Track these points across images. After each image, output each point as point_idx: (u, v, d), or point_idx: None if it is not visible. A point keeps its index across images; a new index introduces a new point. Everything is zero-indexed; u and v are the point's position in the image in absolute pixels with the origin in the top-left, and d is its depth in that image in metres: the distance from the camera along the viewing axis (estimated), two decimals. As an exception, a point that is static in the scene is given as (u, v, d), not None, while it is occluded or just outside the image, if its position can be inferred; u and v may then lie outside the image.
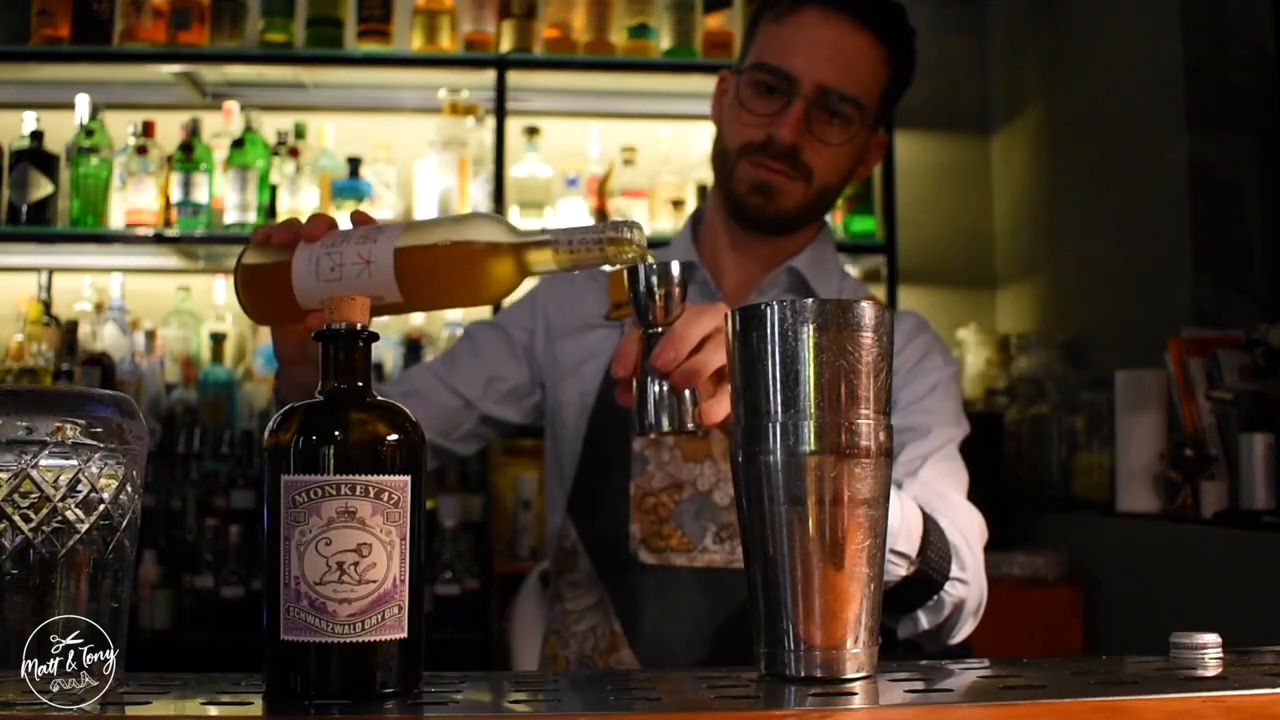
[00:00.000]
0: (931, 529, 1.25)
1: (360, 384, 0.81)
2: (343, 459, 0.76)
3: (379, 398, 0.81)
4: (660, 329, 1.01)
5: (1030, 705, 0.75)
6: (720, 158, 1.52)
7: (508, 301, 1.40)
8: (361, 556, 0.76)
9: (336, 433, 0.77)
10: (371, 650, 0.76)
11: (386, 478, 0.77)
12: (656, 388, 1.01)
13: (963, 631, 1.36)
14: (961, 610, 1.32)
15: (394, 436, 0.78)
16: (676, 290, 1.01)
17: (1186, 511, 2.15)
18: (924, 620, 1.31)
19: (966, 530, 1.33)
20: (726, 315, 0.87)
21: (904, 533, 1.20)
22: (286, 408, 0.80)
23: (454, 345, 1.63)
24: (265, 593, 0.77)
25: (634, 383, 1.03)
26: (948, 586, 1.28)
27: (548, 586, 1.73)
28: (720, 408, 1.01)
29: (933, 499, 1.34)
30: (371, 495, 0.76)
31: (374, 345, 0.83)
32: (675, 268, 1.01)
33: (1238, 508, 2.02)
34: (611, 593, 1.46)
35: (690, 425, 1.01)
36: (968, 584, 1.30)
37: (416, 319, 3.27)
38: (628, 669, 1.42)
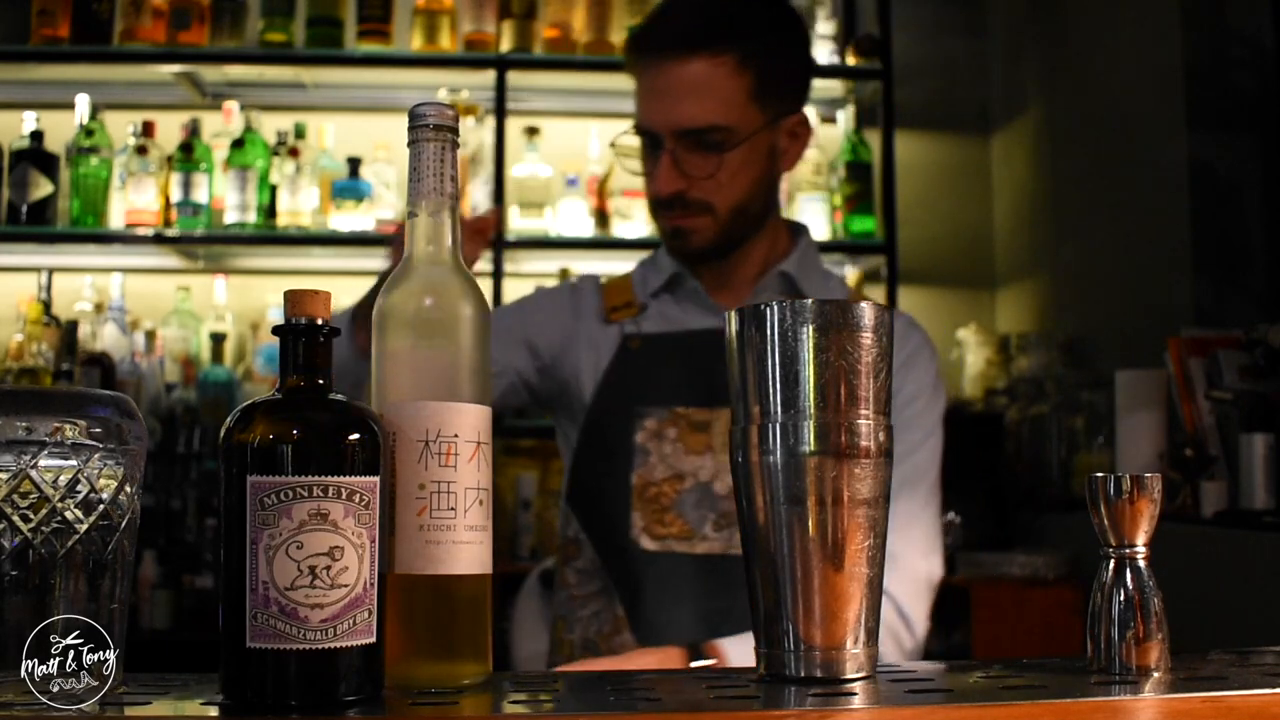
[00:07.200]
0: None
1: (321, 381, 0.79)
2: (313, 459, 0.75)
3: (338, 395, 0.80)
4: None
5: (1030, 705, 0.76)
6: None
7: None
8: (334, 560, 0.74)
9: (306, 432, 0.76)
10: (342, 656, 0.74)
11: (357, 479, 0.75)
12: None
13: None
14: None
15: (364, 436, 0.77)
16: None
17: (1186, 511, 2.15)
18: None
19: (907, 594, 1.44)
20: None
21: None
22: (246, 404, 0.78)
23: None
24: (225, 598, 0.75)
25: None
26: None
27: (549, 586, 1.77)
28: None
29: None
30: (343, 497, 0.75)
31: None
32: None
33: (1238, 508, 2.02)
34: (615, 579, 1.52)
35: None
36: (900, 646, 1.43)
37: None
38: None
